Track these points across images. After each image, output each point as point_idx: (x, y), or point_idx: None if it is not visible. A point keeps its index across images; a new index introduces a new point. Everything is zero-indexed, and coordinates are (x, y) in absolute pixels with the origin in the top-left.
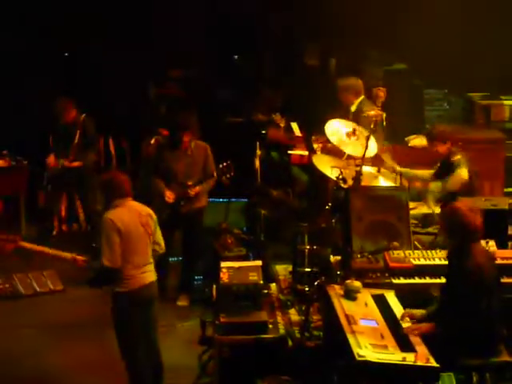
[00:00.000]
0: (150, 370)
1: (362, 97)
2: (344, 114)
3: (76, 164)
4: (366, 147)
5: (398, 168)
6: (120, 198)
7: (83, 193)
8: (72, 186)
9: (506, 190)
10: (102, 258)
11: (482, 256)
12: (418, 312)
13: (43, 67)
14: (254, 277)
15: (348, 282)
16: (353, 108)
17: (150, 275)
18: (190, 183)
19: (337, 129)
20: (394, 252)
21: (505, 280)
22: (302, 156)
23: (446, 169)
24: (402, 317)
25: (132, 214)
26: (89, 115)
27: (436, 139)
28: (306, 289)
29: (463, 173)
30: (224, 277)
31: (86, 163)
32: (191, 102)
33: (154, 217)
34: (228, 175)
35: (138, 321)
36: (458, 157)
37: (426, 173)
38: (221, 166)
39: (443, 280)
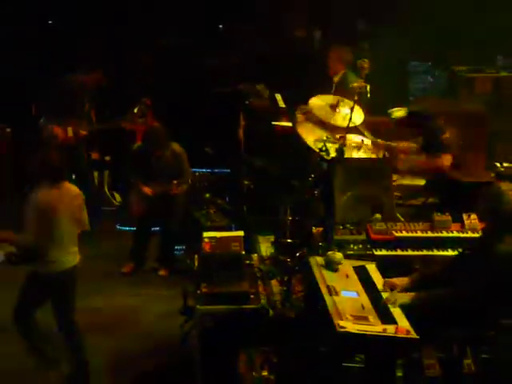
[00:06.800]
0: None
1: (347, 69)
2: (328, 85)
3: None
4: (350, 118)
5: (379, 140)
6: (54, 179)
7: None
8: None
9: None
10: (23, 233)
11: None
12: (400, 281)
13: (27, 35)
14: (236, 247)
15: (330, 253)
16: (336, 78)
17: (73, 259)
18: (174, 182)
19: (321, 103)
20: (377, 224)
21: None
22: (285, 127)
23: (432, 145)
24: (384, 286)
25: (61, 195)
26: None
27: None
28: (288, 260)
29: (448, 159)
30: (206, 247)
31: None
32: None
33: (83, 197)
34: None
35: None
36: (446, 135)
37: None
38: (197, 174)
39: (425, 252)
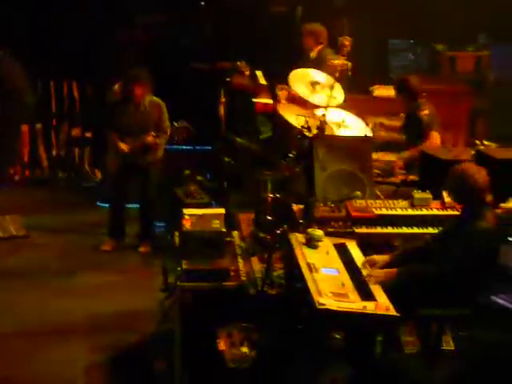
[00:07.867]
0: None
1: (323, 45)
2: (305, 61)
3: None
4: (331, 96)
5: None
6: None
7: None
8: None
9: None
10: None
11: (492, 222)
12: (380, 258)
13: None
14: (217, 224)
15: (310, 230)
16: (312, 55)
17: None
18: (153, 133)
19: (301, 78)
20: (357, 201)
21: None
22: (266, 104)
23: (412, 123)
24: (364, 263)
25: None
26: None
27: (405, 92)
28: (269, 237)
29: (436, 136)
30: (186, 224)
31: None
32: (155, 48)
33: None
34: (182, 137)
35: None
36: (425, 112)
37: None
38: (177, 124)
39: (405, 230)
